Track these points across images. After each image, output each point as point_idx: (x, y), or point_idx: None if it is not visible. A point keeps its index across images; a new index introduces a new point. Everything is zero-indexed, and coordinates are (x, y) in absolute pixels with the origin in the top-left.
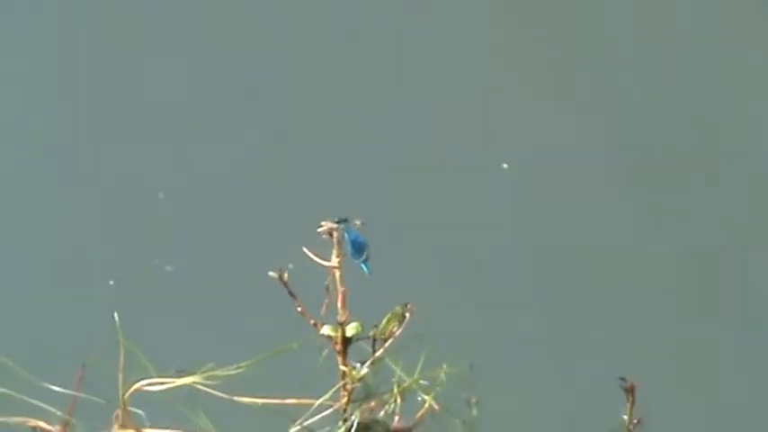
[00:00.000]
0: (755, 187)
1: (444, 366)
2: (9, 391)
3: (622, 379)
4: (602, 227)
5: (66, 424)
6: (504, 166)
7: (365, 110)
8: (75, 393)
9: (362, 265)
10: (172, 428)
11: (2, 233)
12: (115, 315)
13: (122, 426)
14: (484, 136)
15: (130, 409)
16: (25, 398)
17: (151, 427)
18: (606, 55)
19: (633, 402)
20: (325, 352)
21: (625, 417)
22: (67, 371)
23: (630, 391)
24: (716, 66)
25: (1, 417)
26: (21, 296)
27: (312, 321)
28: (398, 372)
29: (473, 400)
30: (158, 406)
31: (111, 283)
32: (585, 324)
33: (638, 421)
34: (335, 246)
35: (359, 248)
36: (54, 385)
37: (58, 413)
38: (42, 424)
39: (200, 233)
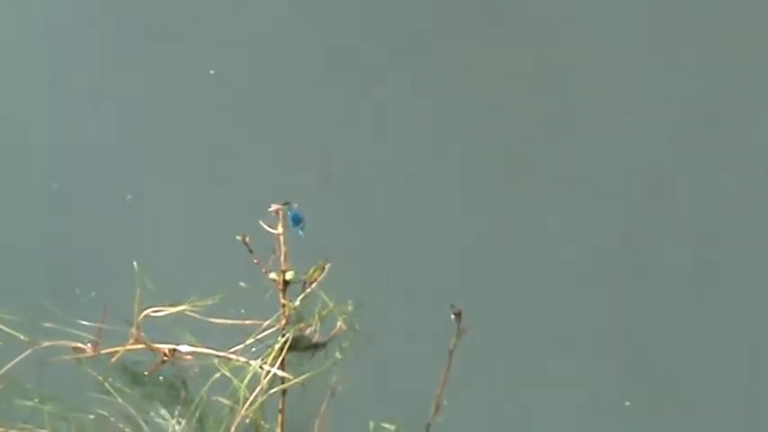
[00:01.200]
0: None
1: (349, 302)
2: (54, 326)
3: (452, 305)
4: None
5: (95, 343)
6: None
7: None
8: (100, 325)
9: (300, 231)
10: (167, 343)
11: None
12: (134, 264)
13: (136, 341)
14: None
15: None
16: (66, 329)
17: (154, 342)
18: None
19: (460, 323)
20: (270, 291)
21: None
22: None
23: (458, 315)
24: None
25: (49, 342)
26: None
27: (263, 269)
28: (319, 304)
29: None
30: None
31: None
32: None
33: (465, 331)
34: (281, 219)
35: (298, 221)
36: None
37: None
38: (79, 344)
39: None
